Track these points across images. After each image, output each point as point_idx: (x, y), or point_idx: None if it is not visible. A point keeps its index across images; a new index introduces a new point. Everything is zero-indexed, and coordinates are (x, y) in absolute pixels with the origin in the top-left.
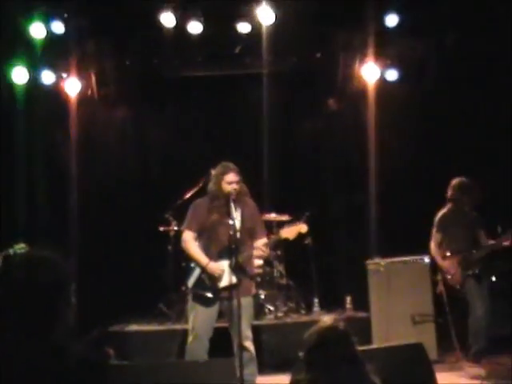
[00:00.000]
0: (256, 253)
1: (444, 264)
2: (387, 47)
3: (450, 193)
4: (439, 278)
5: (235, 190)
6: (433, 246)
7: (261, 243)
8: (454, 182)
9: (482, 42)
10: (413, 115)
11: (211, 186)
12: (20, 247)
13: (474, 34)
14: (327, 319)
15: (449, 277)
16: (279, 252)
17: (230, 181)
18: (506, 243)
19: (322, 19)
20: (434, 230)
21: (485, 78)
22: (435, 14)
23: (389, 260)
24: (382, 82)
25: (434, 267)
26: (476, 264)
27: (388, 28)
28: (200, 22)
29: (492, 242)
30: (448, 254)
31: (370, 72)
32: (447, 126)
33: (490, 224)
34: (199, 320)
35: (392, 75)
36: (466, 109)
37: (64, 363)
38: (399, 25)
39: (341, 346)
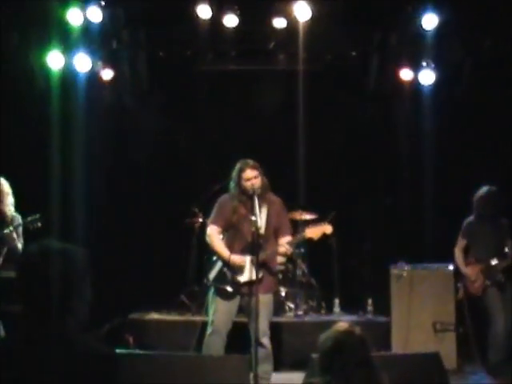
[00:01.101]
0: (280, 249)
1: (466, 271)
2: (423, 49)
3: (476, 199)
4: (460, 284)
5: (253, 185)
6: (457, 251)
7: (285, 241)
8: (481, 190)
9: None
10: (447, 118)
11: (231, 184)
12: (33, 218)
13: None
14: (343, 323)
15: (470, 284)
16: (302, 250)
17: (248, 177)
18: None
19: (358, 18)
20: (460, 236)
21: None
22: (473, 18)
23: (412, 266)
24: (417, 84)
25: (457, 274)
26: (499, 273)
27: (425, 29)
28: (236, 15)
29: None
30: (471, 261)
31: (405, 73)
32: (482, 131)
33: None
34: (218, 313)
35: (427, 77)
36: (500, 113)
37: (73, 353)
38: (437, 26)
39: (357, 351)
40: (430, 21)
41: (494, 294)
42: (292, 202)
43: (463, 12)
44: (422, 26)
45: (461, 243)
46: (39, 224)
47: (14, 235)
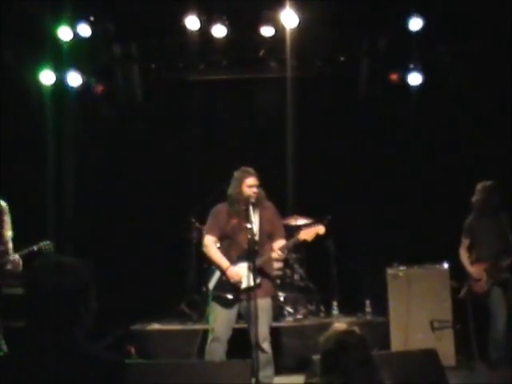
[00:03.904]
0: (272, 255)
1: (471, 270)
2: (411, 51)
3: (474, 198)
4: (465, 283)
5: (255, 193)
6: (461, 251)
7: (278, 245)
8: (478, 186)
9: (507, 49)
10: (435, 120)
11: (231, 190)
12: (45, 244)
13: (499, 41)
14: (341, 324)
15: (475, 283)
16: (300, 255)
17: (251, 184)
18: None
19: (345, 23)
20: (463, 236)
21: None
22: (460, 20)
23: (408, 266)
24: (405, 87)
25: (461, 273)
26: (503, 271)
27: (412, 32)
28: (224, 25)
29: None
30: (476, 259)
31: (393, 75)
32: (471, 131)
33: None
34: (219, 321)
35: (415, 79)
36: (489, 114)
37: (84, 363)
38: (424, 29)
39: (359, 350)
40: (415, 23)
41: (497, 292)
42: (286, 208)
43: (449, 14)
44: (408, 29)
45: (464, 243)
46: (51, 248)
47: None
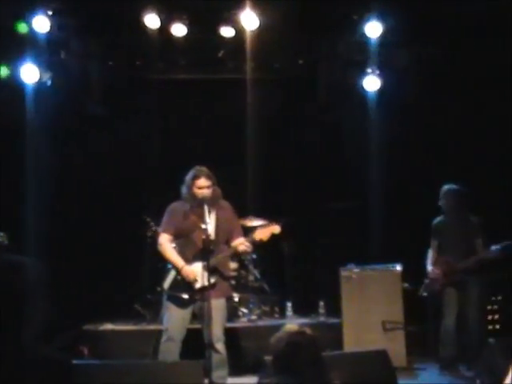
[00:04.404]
0: (239, 248)
1: (429, 269)
2: (369, 56)
3: (441, 201)
4: (425, 281)
5: (203, 194)
6: (430, 251)
7: (240, 240)
8: (444, 189)
9: (461, 56)
10: (394, 124)
11: (183, 190)
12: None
13: (454, 48)
14: (292, 325)
15: (431, 282)
16: (255, 256)
17: (201, 185)
18: (494, 255)
19: (305, 26)
20: (431, 237)
21: (467, 91)
22: (418, 26)
23: (361, 267)
24: (363, 91)
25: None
26: (458, 273)
27: (370, 37)
28: (184, 24)
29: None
30: (437, 260)
31: (352, 80)
32: (428, 135)
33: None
34: (173, 321)
35: (373, 84)
36: (446, 117)
37: (27, 363)
38: (383, 34)
39: (310, 350)
40: (374, 28)
41: (450, 292)
42: (244, 209)
43: (408, 19)
44: (366, 34)
45: (433, 244)
46: (5, 242)
47: None
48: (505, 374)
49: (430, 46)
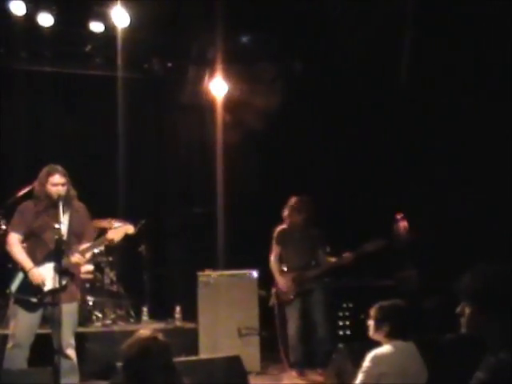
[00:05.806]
0: (72, 259)
1: (279, 279)
2: (238, 64)
3: (285, 211)
4: (274, 290)
5: (58, 192)
6: (272, 258)
7: (81, 248)
8: (290, 200)
9: (329, 70)
10: (259, 132)
11: (36, 187)
12: None
13: (321, 62)
14: (145, 331)
15: (282, 292)
16: (111, 258)
17: (55, 183)
18: (338, 263)
19: (177, 29)
20: (274, 244)
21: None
22: (284, 40)
23: (219, 272)
24: (230, 98)
25: (269, 281)
26: (308, 282)
27: (242, 46)
28: (52, 14)
29: (332, 260)
30: (285, 269)
31: (218, 86)
32: (293, 145)
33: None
34: (20, 326)
35: (240, 92)
36: (312, 129)
37: None
38: (253, 44)
39: (162, 356)
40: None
41: (297, 300)
42: (103, 210)
43: (277, 34)
44: (237, 42)
45: (275, 250)
46: None
47: None
48: (353, 377)
49: (294, 62)
